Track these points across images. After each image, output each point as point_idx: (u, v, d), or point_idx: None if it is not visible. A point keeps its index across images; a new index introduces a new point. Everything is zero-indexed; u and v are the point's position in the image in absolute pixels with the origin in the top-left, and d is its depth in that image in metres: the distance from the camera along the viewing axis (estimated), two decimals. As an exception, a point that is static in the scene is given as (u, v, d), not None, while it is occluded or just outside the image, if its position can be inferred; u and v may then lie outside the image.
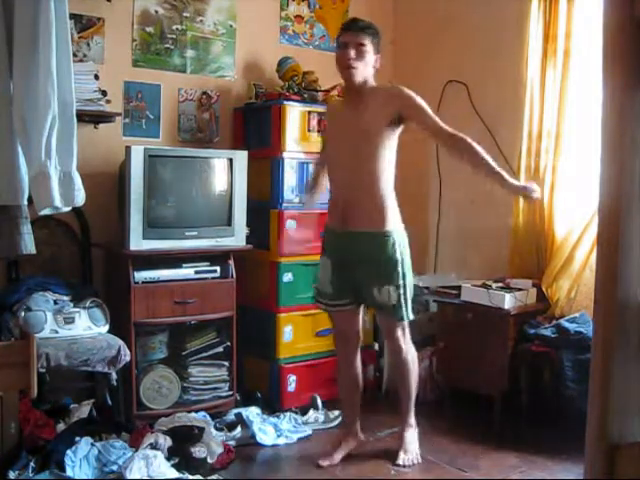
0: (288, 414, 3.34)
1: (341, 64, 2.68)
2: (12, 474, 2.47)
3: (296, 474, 2.83)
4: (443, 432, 3.24)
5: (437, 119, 2.66)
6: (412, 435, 2.95)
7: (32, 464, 2.53)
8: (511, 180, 2.61)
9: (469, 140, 2.59)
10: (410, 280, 2.79)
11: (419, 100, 2.69)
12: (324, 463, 2.83)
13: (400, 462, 2.84)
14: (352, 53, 2.63)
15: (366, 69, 2.68)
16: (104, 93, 3.24)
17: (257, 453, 2.97)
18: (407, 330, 2.87)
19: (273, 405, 3.44)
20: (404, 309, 2.76)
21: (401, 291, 2.73)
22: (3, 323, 2.87)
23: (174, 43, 3.65)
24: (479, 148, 2.59)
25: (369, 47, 2.66)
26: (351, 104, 2.75)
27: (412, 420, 2.96)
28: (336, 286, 2.81)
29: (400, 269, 2.72)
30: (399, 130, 2.73)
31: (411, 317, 2.81)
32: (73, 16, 3.13)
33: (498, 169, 2.58)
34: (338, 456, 2.88)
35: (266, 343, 3.53)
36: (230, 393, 3.39)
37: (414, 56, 4.38)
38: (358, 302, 2.86)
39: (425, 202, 4.31)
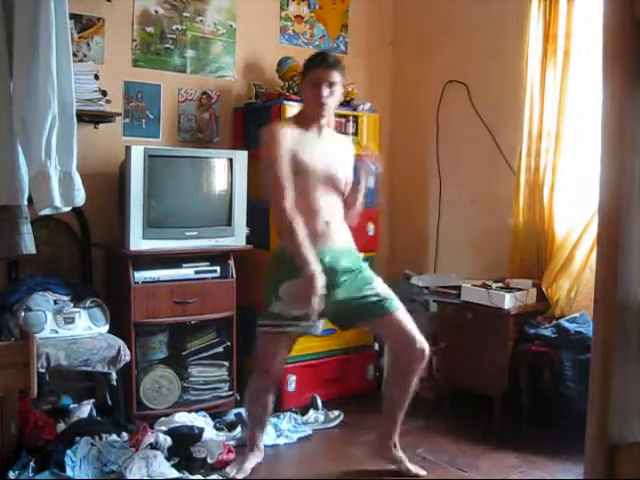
0: (288, 414, 3.34)
1: (314, 102, 2.65)
2: (12, 474, 2.47)
3: (296, 474, 2.83)
4: (443, 432, 3.24)
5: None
6: (400, 452, 2.85)
7: (32, 464, 2.53)
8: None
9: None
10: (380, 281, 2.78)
11: None
12: (236, 474, 2.73)
13: (419, 473, 2.77)
14: (326, 91, 2.62)
15: (334, 105, 2.72)
16: (104, 93, 3.23)
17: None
18: (410, 320, 2.71)
19: (273, 405, 3.43)
20: (391, 299, 2.70)
21: (381, 287, 2.72)
22: (3, 323, 2.87)
23: (174, 43, 3.65)
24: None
25: (339, 84, 2.67)
26: (317, 135, 2.73)
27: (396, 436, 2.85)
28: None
29: (370, 274, 2.75)
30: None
31: (401, 305, 2.71)
32: (73, 16, 3.12)
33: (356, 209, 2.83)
34: (249, 466, 2.79)
35: (266, 343, 3.53)
36: (230, 393, 3.39)
37: (414, 56, 4.39)
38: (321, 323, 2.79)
39: (425, 202, 4.31)
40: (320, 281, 2.44)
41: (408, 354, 2.68)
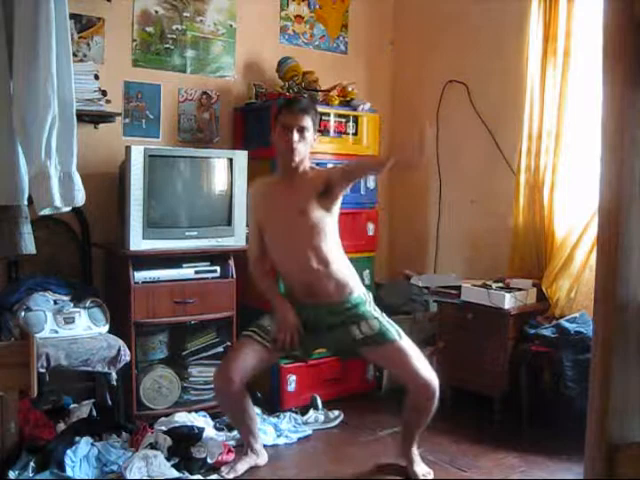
0: (288, 414, 3.34)
1: (283, 147, 2.64)
2: (12, 474, 2.47)
3: (296, 474, 2.83)
4: (443, 432, 3.23)
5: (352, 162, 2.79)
6: (418, 456, 2.81)
7: (32, 464, 2.52)
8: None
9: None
10: (383, 318, 2.70)
11: (336, 169, 2.79)
12: (226, 475, 2.72)
13: (421, 477, 2.74)
14: (295, 136, 2.60)
15: (306, 150, 2.67)
16: (104, 93, 3.23)
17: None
18: (415, 354, 2.64)
19: (273, 405, 3.44)
20: (391, 329, 2.65)
21: (378, 319, 2.66)
22: (3, 323, 2.87)
23: (174, 43, 3.65)
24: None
25: (310, 129, 2.65)
26: (285, 184, 2.71)
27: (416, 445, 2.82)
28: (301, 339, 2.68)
29: (370, 309, 2.71)
30: (333, 199, 2.69)
31: (403, 336, 2.65)
32: (73, 16, 3.12)
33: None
34: (241, 467, 2.77)
35: (266, 343, 3.53)
36: (230, 393, 3.39)
37: (414, 56, 4.39)
38: (309, 353, 2.81)
39: (425, 202, 4.31)
40: (289, 320, 2.64)
41: (416, 395, 2.63)
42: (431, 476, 2.76)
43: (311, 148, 2.72)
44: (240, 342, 2.78)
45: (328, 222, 2.69)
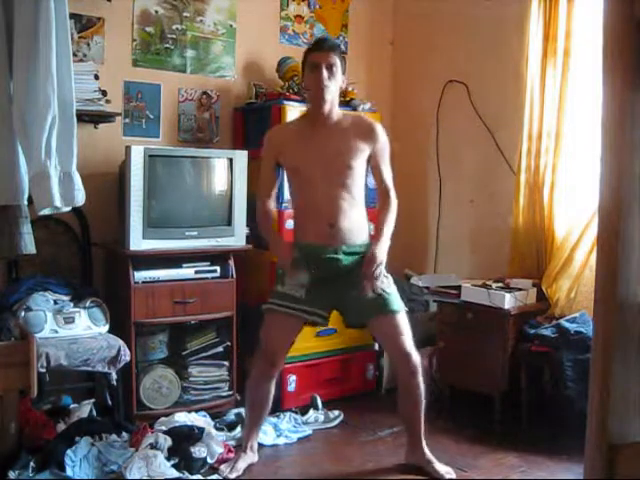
0: (288, 414, 3.34)
1: (314, 85, 2.65)
2: (12, 474, 2.47)
3: (296, 474, 2.83)
4: (443, 432, 3.23)
5: (388, 169, 2.78)
6: (430, 454, 2.82)
7: (32, 464, 2.52)
8: (376, 252, 2.63)
9: (393, 206, 2.75)
10: (391, 280, 2.74)
11: (387, 145, 2.77)
12: (229, 474, 2.73)
13: (447, 476, 2.74)
14: (325, 74, 2.62)
15: (336, 89, 2.68)
16: (104, 93, 3.23)
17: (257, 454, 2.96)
18: (410, 334, 2.71)
19: (273, 405, 3.43)
20: (394, 299, 2.68)
21: (385, 284, 2.68)
22: (3, 323, 2.86)
23: (174, 43, 3.65)
24: (391, 216, 2.73)
25: (339, 67, 2.66)
26: (319, 125, 2.71)
27: (422, 430, 2.83)
28: (311, 294, 2.69)
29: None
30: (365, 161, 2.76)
31: (403, 307, 2.71)
32: (73, 16, 3.12)
33: (383, 237, 2.68)
34: (242, 465, 2.79)
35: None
36: (230, 393, 3.39)
37: (414, 56, 4.39)
38: (327, 316, 2.78)
39: (425, 202, 4.31)
40: (284, 254, 2.71)
41: (403, 369, 2.75)
42: (452, 475, 2.76)
43: (340, 89, 2.73)
44: (270, 320, 2.76)
45: (360, 170, 2.73)
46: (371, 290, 2.63)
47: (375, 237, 2.70)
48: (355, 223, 2.71)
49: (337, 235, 2.67)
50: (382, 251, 2.65)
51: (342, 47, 4.28)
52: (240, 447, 2.90)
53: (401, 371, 2.77)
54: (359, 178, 2.73)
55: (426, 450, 2.82)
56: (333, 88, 2.66)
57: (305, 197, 2.75)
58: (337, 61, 2.65)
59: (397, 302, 2.71)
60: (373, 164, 2.76)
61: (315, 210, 2.70)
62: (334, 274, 2.69)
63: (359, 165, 2.71)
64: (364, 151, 2.71)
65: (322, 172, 2.66)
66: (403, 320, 2.71)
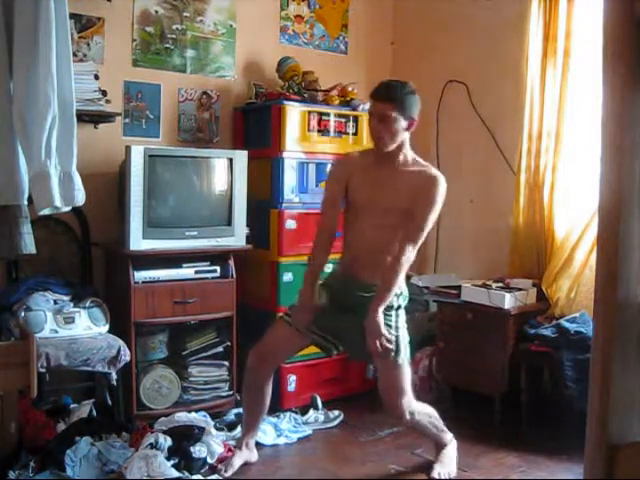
0: (288, 414, 3.34)
1: (370, 134, 2.64)
2: (12, 474, 2.47)
3: (296, 474, 2.83)
4: (443, 432, 3.23)
5: (421, 232, 2.60)
6: (451, 450, 2.86)
7: (32, 464, 2.52)
8: (373, 307, 2.55)
9: (401, 266, 2.57)
10: (404, 329, 2.69)
11: (435, 203, 2.61)
12: (224, 472, 2.74)
13: (435, 475, 2.77)
14: (379, 125, 2.54)
15: (395, 138, 2.56)
16: (104, 93, 3.23)
17: (257, 453, 2.96)
18: (408, 388, 2.67)
19: (273, 405, 3.43)
20: (399, 350, 2.61)
21: (398, 336, 2.63)
22: (3, 323, 2.86)
23: (174, 43, 3.65)
24: (399, 274, 2.58)
25: (395, 117, 2.52)
26: (383, 167, 2.65)
27: (446, 439, 2.87)
28: (322, 318, 2.69)
29: (394, 316, 2.66)
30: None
31: (407, 360, 2.66)
32: (73, 16, 3.12)
33: (385, 293, 2.56)
34: (237, 462, 2.79)
35: (266, 343, 3.53)
36: (230, 393, 3.39)
37: (414, 56, 4.38)
38: (336, 346, 2.77)
39: (425, 202, 4.30)
40: (302, 313, 2.68)
41: (391, 414, 2.80)
42: (445, 476, 2.78)
43: (405, 136, 2.60)
44: (276, 325, 2.83)
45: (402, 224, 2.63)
46: (382, 353, 2.57)
47: (375, 300, 2.56)
48: (382, 270, 2.61)
49: (367, 270, 2.64)
50: (379, 320, 2.54)
51: (342, 48, 4.28)
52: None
53: (389, 413, 2.81)
54: (399, 232, 2.63)
55: (445, 451, 2.86)
56: (387, 139, 2.55)
57: (353, 230, 2.71)
58: (393, 113, 2.51)
59: (401, 354, 2.63)
60: (413, 211, 2.59)
61: (358, 245, 2.68)
62: (349, 306, 2.67)
63: (409, 209, 2.61)
64: (414, 195, 2.60)
65: (374, 210, 2.63)
66: (402, 373, 2.64)
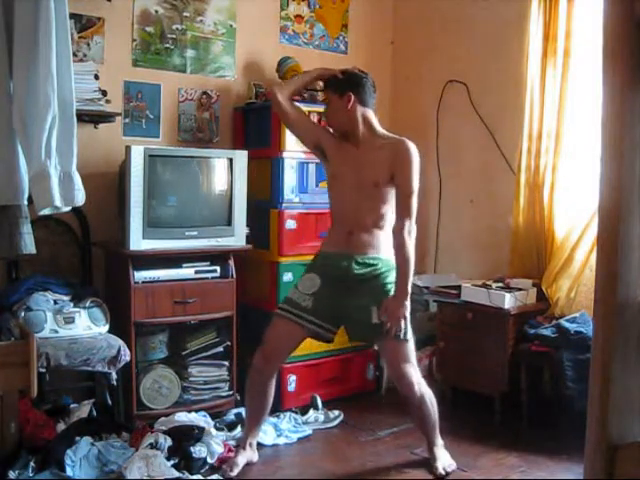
0: (288, 414, 3.34)
1: None
2: (12, 474, 2.47)
3: (296, 474, 2.83)
4: (443, 432, 3.20)
5: (410, 199, 2.65)
6: (441, 450, 2.89)
7: (32, 464, 2.52)
8: (399, 294, 2.62)
9: (406, 250, 2.62)
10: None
11: (412, 164, 2.66)
12: (230, 472, 2.74)
13: (441, 471, 2.78)
14: (325, 111, 2.85)
15: (337, 116, 2.75)
16: (104, 93, 3.23)
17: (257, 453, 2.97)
18: (414, 361, 2.74)
19: (273, 405, 3.42)
20: (407, 327, 2.68)
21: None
22: (3, 323, 2.86)
23: (174, 43, 3.65)
24: (405, 266, 2.62)
25: (331, 97, 2.76)
26: (348, 144, 2.77)
27: (438, 438, 2.90)
28: (318, 305, 2.72)
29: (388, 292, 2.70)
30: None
31: (409, 336, 2.70)
32: (73, 16, 3.12)
33: (405, 278, 2.61)
34: (241, 460, 2.80)
35: (266, 343, 3.53)
36: (230, 393, 3.39)
37: (414, 56, 4.38)
38: (333, 331, 2.79)
39: (425, 202, 4.29)
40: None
41: (403, 393, 2.79)
42: (449, 468, 2.81)
43: (348, 109, 2.70)
44: (273, 322, 2.82)
45: (388, 188, 2.69)
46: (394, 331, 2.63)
47: (399, 287, 2.63)
48: (374, 238, 2.71)
49: (353, 244, 2.70)
50: (402, 303, 2.61)
51: (342, 48, 4.29)
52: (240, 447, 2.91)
53: (401, 393, 2.80)
54: (387, 196, 2.70)
55: (435, 449, 2.87)
56: (331, 117, 2.78)
57: (335, 207, 2.82)
58: (327, 96, 2.81)
59: (409, 331, 2.69)
60: (395, 182, 2.68)
61: (340, 220, 2.78)
62: (344, 285, 2.70)
63: (385, 182, 2.68)
64: (389, 167, 2.66)
65: (352, 184, 2.71)
66: (409, 347, 2.70)
